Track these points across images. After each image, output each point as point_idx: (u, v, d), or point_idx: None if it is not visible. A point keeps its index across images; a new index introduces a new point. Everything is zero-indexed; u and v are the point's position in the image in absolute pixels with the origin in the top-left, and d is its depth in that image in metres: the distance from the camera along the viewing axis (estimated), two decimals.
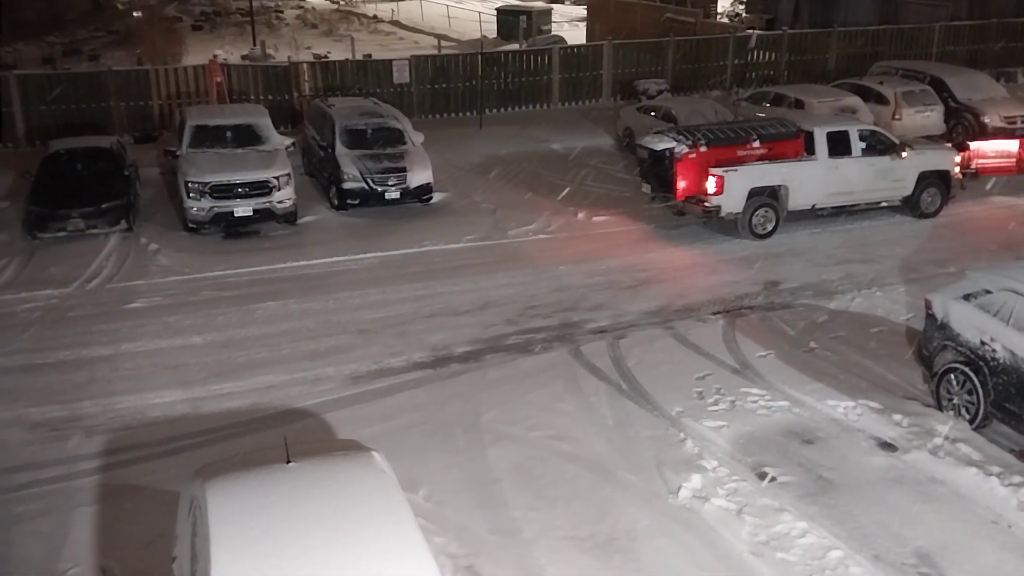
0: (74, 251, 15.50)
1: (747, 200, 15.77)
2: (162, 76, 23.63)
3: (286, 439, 6.54)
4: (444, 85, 25.67)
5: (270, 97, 23.68)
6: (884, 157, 16.53)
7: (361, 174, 17.21)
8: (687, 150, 15.68)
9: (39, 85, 22.57)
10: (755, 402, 10.65)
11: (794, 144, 16.29)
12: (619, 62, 27.67)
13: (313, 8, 53.44)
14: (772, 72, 29.16)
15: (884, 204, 17.04)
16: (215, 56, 28.01)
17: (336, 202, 17.61)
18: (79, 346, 12.23)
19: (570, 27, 44.32)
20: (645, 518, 8.60)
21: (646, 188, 16.79)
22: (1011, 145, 19.33)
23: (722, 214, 15.75)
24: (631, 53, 27.92)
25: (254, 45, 37.24)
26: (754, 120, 17.47)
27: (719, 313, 13.21)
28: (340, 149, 17.62)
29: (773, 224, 16.09)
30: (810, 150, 16.25)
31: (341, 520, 5.81)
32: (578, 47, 29.41)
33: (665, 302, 13.62)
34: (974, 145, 19.05)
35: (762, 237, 16.01)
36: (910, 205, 17.13)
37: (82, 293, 13.97)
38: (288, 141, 18.11)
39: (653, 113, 21.60)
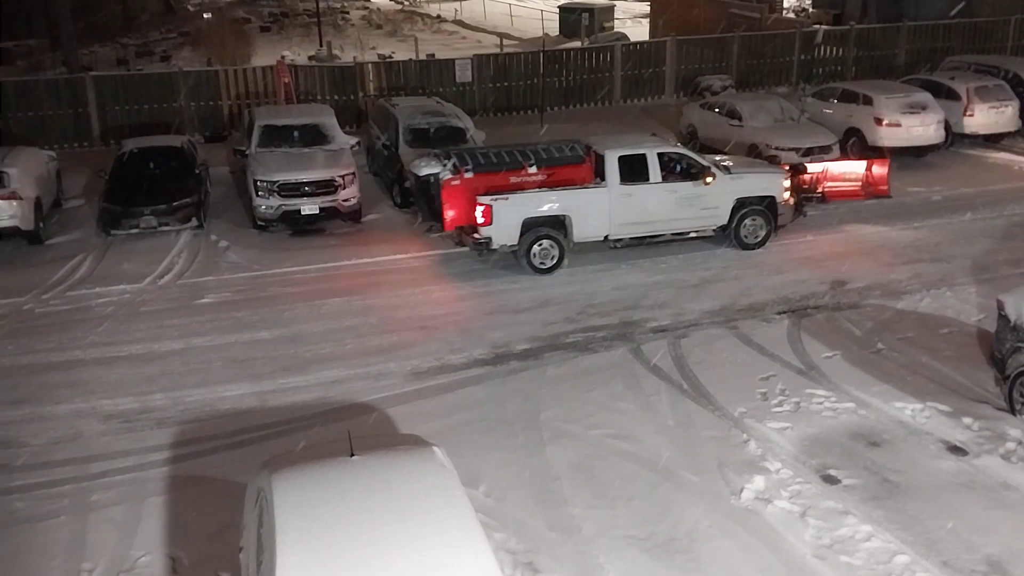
0: (146, 248, 15.94)
1: (523, 231, 14.22)
2: (231, 77, 24.17)
3: (350, 433, 6.64)
4: (506, 83, 25.78)
5: (336, 97, 24.05)
6: (688, 183, 14.83)
7: None
8: (451, 176, 14.40)
9: (113, 86, 23.27)
10: (820, 403, 10.49)
11: (580, 169, 14.82)
12: (682, 58, 27.47)
13: (378, 9, 54.08)
14: (839, 68, 28.65)
15: (694, 235, 15.30)
16: (283, 57, 28.49)
17: (399, 200, 17.79)
18: (151, 340, 12.57)
19: (633, 23, 44.09)
20: (706, 519, 8.53)
21: (419, 217, 15.72)
22: (857, 167, 17.94)
23: (494, 246, 14.23)
24: (694, 49, 27.69)
25: (320, 46, 37.81)
26: (535, 144, 15.64)
27: (784, 313, 13.03)
28: (403, 148, 17.79)
29: (556, 258, 14.46)
30: (603, 175, 14.65)
31: (403, 513, 5.89)
32: (641, 43, 29.25)
33: (728, 301, 13.48)
34: (818, 167, 17.60)
35: (544, 272, 14.43)
36: (730, 235, 15.29)
37: (154, 288, 14.36)
38: (353, 140, 18.38)
39: (717, 110, 21.37)
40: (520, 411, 10.50)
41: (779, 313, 13.02)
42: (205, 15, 43.87)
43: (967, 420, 10.02)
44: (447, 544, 5.77)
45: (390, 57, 31.11)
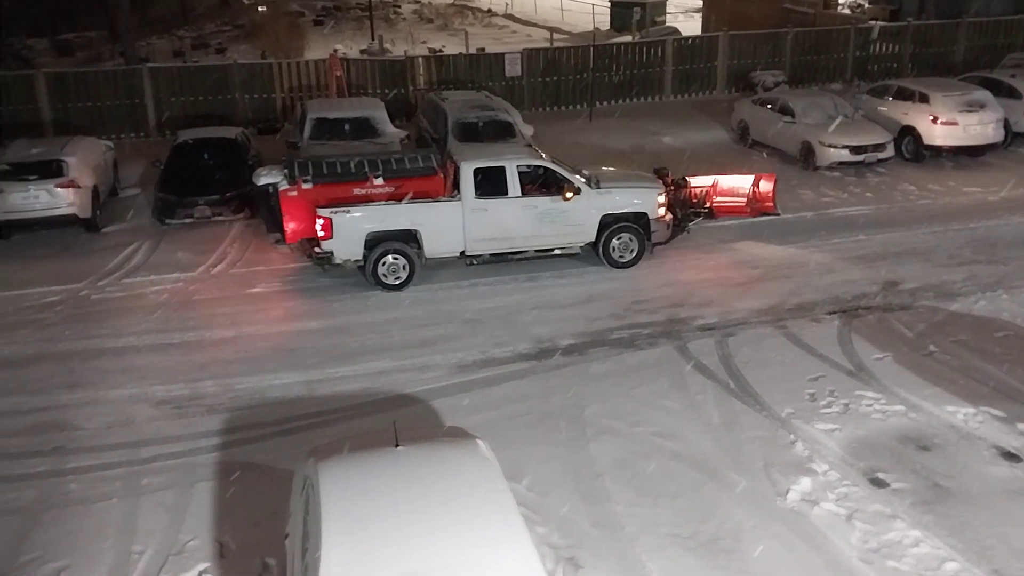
0: (200, 237, 16.21)
1: (368, 246, 13.62)
2: (284, 70, 24.43)
3: (395, 424, 6.70)
4: (555, 78, 25.71)
5: (386, 91, 24.20)
6: (547, 198, 14.07)
7: None
8: (288, 186, 13.74)
9: (169, 78, 23.68)
10: (869, 406, 10.33)
11: (431, 181, 14.13)
12: (734, 53, 27.17)
13: (429, 3, 54.25)
14: (895, 65, 28.12)
15: (558, 252, 14.51)
16: (335, 50, 28.77)
17: None
18: (203, 328, 12.80)
19: (685, 18, 43.74)
20: (751, 519, 8.46)
21: (264, 228, 15.00)
22: (743, 182, 16.62)
23: (337, 261, 13.63)
24: (747, 44, 27.37)
25: (372, 40, 38.08)
26: (384, 154, 14.98)
27: (834, 313, 12.85)
28: (452, 142, 17.83)
29: (406, 274, 13.84)
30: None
31: (447, 505, 5.93)
32: (692, 38, 28.99)
33: (777, 300, 13.32)
34: (708, 180, 16.38)
35: (392, 289, 13.82)
36: (600, 253, 14.50)
37: (207, 277, 14.60)
38: (403, 134, 18.53)
39: (769, 106, 21.14)
40: (564, 407, 10.49)
41: (829, 313, 12.84)
42: (260, 8, 44.40)
43: (1022, 426, 9.79)
44: (489, 537, 5.80)
45: (440, 51, 31.21)
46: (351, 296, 13.76)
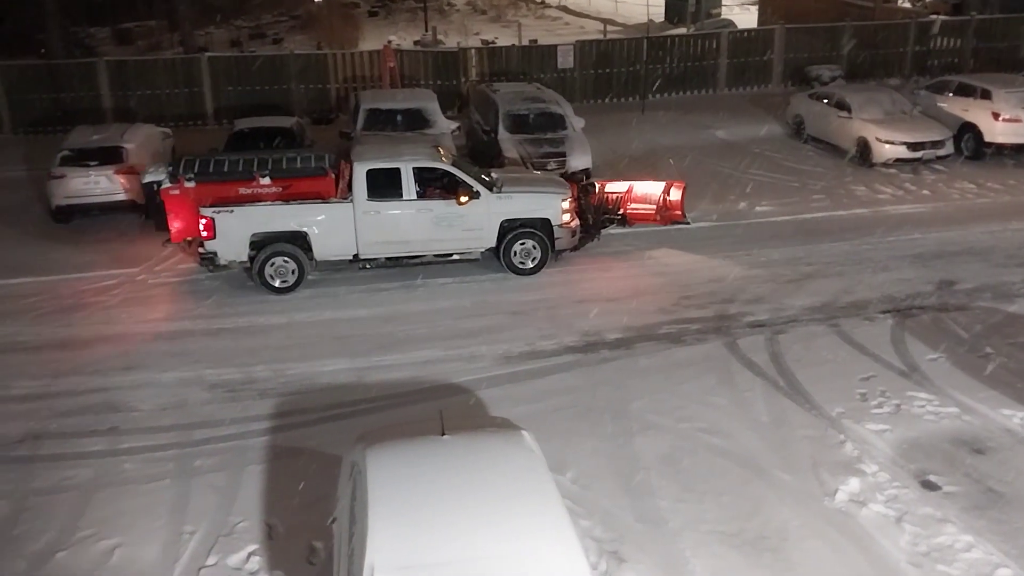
0: None
1: (255, 247, 13.32)
2: (339, 60, 24.67)
3: (441, 413, 6.76)
4: (607, 70, 25.61)
5: (439, 82, 24.31)
6: (443, 202, 13.63)
7: (521, 158, 17.41)
8: (170, 184, 13.47)
9: (227, 67, 24.04)
10: (922, 407, 10.15)
11: (321, 182, 13.62)
12: (791, 47, 26.84)
13: None
14: (956, 60, 27.50)
15: (457, 257, 14.14)
16: (389, 42, 28.98)
17: None
18: (255, 314, 13.00)
19: (740, 10, 43.21)
20: (797, 518, 8.37)
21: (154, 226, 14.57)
22: (654, 189, 15.98)
23: (221, 262, 13.34)
24: (804, 38, 27.01)
25: (426, 31, 38.26)
26: (276, 153, 14.45)
27: (888, 312, 12.64)
28: (502, 133, 17.90)
29: (295, 276, 13.54)
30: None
31: (491, 495, 5.97)
32: (748, 31, 28.69)
33: (830, 298, 13.14)
34: (622, 186, 15.82)
35: (281, 292, 13.52)
36: (502, 259, 14.04)
37: None
38: (454, 125, 18.59)
39: (825, 100, 20.83)
40: (610, 400, 10.48)
41: (883, 312, 12.64)
42: None
43: None
44: (534, 528, 5.82)
45: (493, 43, 31.25)
46: (399, 285, 13.87)
